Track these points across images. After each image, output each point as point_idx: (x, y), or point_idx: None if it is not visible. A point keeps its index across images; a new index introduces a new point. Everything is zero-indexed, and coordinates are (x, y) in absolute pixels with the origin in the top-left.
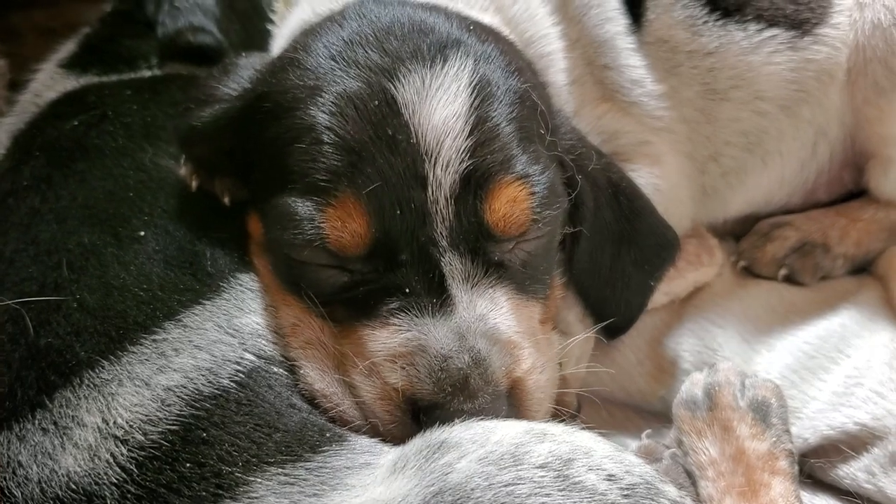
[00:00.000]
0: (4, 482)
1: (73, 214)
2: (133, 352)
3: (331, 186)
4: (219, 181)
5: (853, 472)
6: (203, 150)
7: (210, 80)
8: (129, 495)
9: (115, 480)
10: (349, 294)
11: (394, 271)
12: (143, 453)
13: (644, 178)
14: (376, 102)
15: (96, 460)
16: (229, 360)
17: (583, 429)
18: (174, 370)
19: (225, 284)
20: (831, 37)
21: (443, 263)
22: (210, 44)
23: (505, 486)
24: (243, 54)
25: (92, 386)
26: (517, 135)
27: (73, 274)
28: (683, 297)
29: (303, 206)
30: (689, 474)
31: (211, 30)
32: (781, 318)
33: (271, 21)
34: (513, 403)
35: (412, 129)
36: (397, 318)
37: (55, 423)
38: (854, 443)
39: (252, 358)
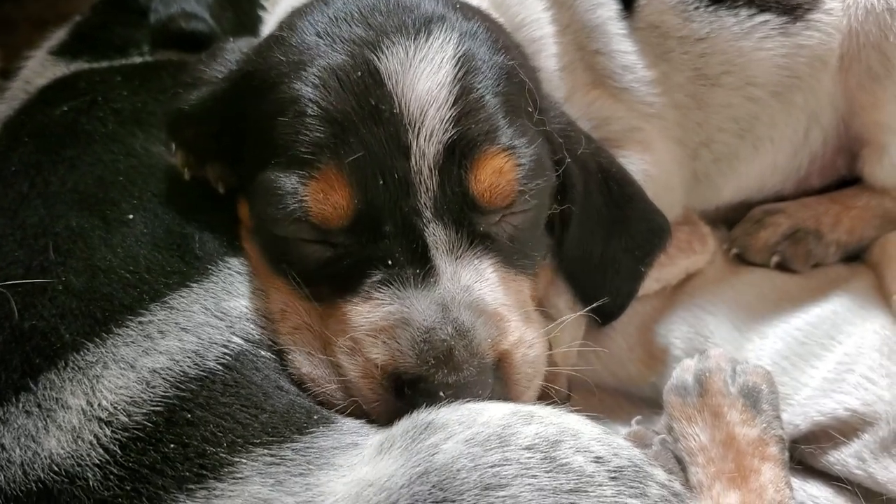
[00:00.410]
0: None
1: (61, 199)
2: (118, 334)
3: (313, 159)
4: (210, 168)
5: (844, 458)
6: (191, 133)
7: (198, 65)
8: (111, 476)
9: (97, 462)
10: (333, 269)
11: (377, 243)
12: (126, 434)
13: (635, 164)
14: (359, 73)
15: (79, 442)
16: (216, 343)
17: (571, 412)
18: (160, 352)
19: (213, 268)
20: (824, 22)
21: (426, 234)
22: (203, 30)
23: (491, 466)
24: (231, 39)
25: (77, 368)
26: (503, 107)
27: (59, 257)
28: (675, 284)
29: (286, 180)
30: (679, 460)
31: (203, 16)
32: (773, 305)
33: (263, 7)
34: (500, 377)
35: (395, 98)
36: (380, 291)
37: (39, 406)
38: (844, 429)
39: (239, 341)
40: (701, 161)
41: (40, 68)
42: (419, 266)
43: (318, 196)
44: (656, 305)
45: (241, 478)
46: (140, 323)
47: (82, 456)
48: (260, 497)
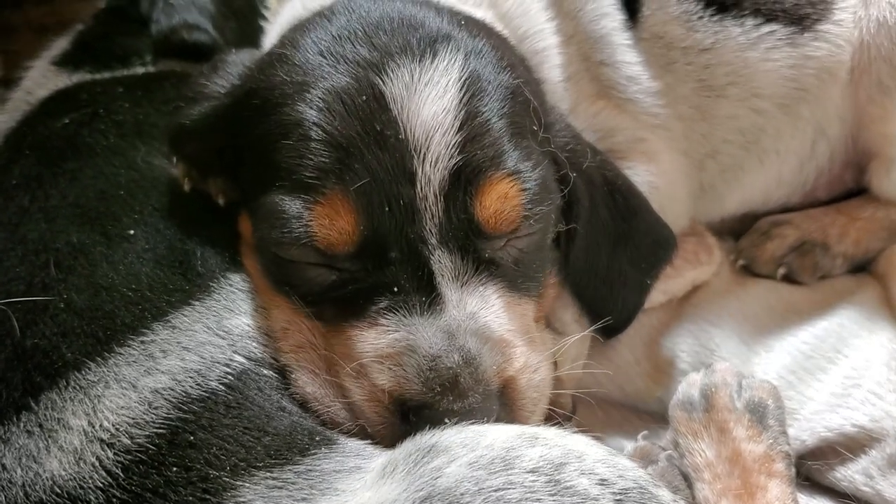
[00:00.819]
0: None
1: (62, 213)
2: (120, 353)
3: (319, 183)
4: (212, 181)
5: (851, 474)
6: (193, 148)
7: (199, 78)
8: (114, 500)
9: (100, 484)
10: (338, 293)
11: (382, 269)
12: (129, 457)
13: (640, 175)
14: (364, 98)
15: (81, 464)
16: (218, 363)
17: (576, 432)
18: (162, 372)
19: (215, 285)
20: (833, 34)
21: (432, 261)
22: (205, 41)
23: (495, 490)
24: (233, 51)
25: (78, 388)
26: (508, 130)
27: (60, 273)
28: (681, 296)
29: (291, 204)
30: (686, 476)
31: (206, 27)
32: (780, 318)
33: (265, 17)
34: (505, 403)
35: (401, 124)
36: (386, 317)
37: (40, 426)
38: (852, 445)
39: (241, 360)
40: (707, 172)
41: (42, 79)
42: (425, 293)
43: (324, 221)
44: (663, 318)
45: (243, 502)
46: (142, 342)
47: (84, 478)
48: None
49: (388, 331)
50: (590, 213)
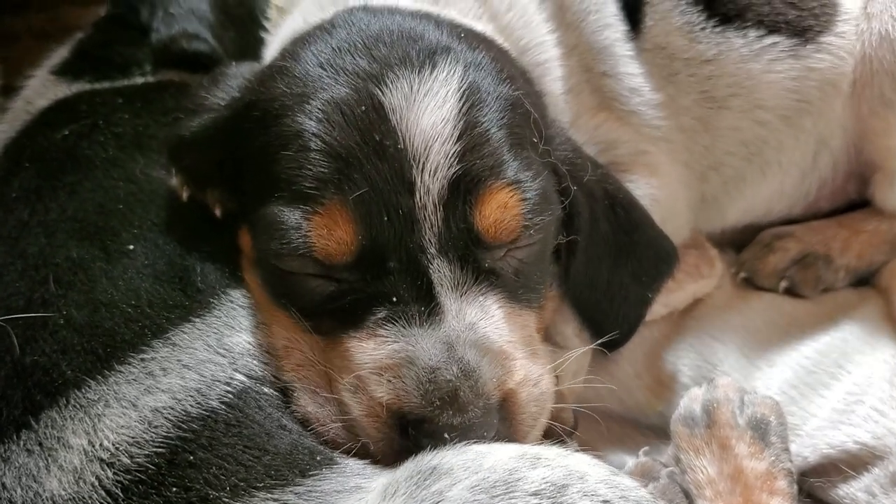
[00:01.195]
0: None
1: (61, 228)
2: (120, 371)
3: (317, 194)
4: (210, 193)
5: (853, 492)
6: (192, 160)
7: (199, 90)
8: None
9: None
10: (336, 304)
11: (381, 279)
12: (128, 476)
13: (642, 188)
14: (363, 108)
15: (81, 483)
16: (219, 381)
17: (577, 450)
18: (162, 390)
19: (215, 301)
20: (836, 46)
21: (431, 271)
22: (204, 51)
23: None
24: (233, 63)
25: (78, 406)
26: (508, 140)
27: (60, 289)
28: (682, 309)
29: (290, 215)
30: (687, 493)
31: (205, 37)
32: (782, 332)
33: (265, 28)
34: (504, 417)
35: (400, 134)
36: (384, 328)
37: (40, 445)
38: (854, 462)
39: (242, 378)
40: (710, 184)
41: (42, 88)
42: (424, 303)
43: (322, 231)
44: (664, 331)
45: None
46: (142, 360)
47: (84, 498)
48: None
49: (387, 342)
50: (590, 227)
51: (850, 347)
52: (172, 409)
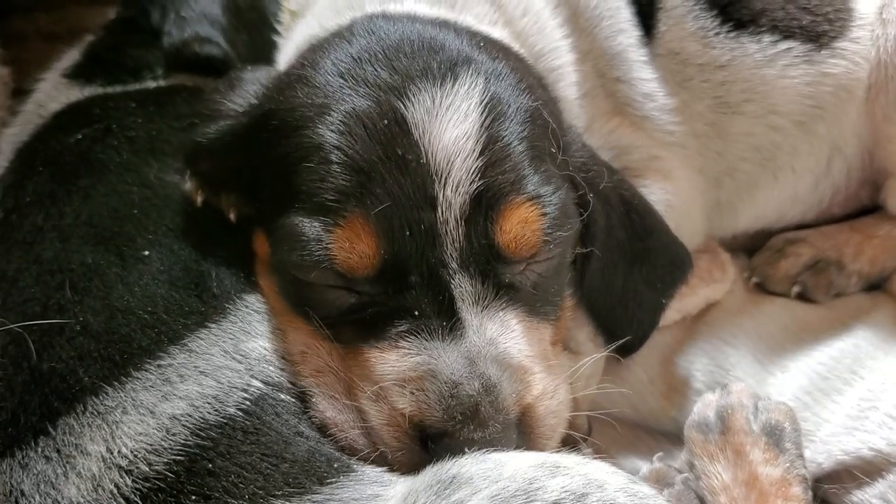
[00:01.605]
0: None
1: (76, 233)
2: (138, 378)
3: (339, 207)
4: (224, 197)
5: (868, 498)
6: (208, 166)
7: (215, 95)
8: None
9: None
10: (357, 316)
11: (403, 293)
12: (147, 485)
13: (656, 194)
14: (386, 122)
15: (100, 491)
16: (236, 388)
17: (595, 458)
18: (179, 398)
19: (231, 306)
20: (851, 51)
21: (452, 286)
22: (216, 55)
23: None
24: (249, 68)
25: (96, 413)
26: (528, 154)
27: (76, 295)
28: (695, 315)
29: (310, 227)
30: (701, 499)
31: (217, 40)
32: (795, 338)
33: (277, 32)
34: (523, 431)
35: (422, 149)
36: (406, 340)
37: (58, 451)
38: (869, 468)
39: (259, 384)
40: (724, 190)
41: (54, 91)
42: (445, 318)
43: (344, 245)
44: (677, 337)
45: None
46: (159, 366)
47: None
48: None
49: (409, 354)
50: (606, 233)
51: (863, 353)
52: (190, 416)
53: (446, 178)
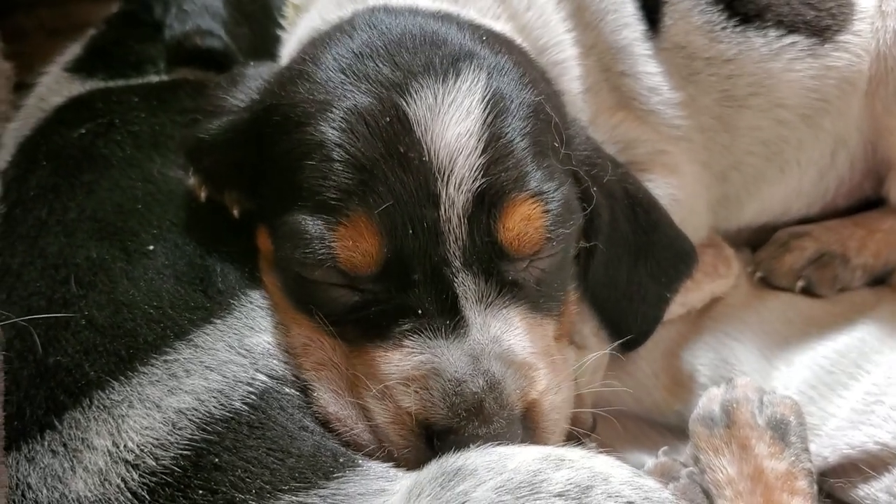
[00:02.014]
0: None
1: (80, 227)
2: (144, 372)
3: (342, 205)
4: (227, 193)
5: (874, 492)
6: (211, 162)
7: (217, 91)
8: None
9: None
10: (360, 314)
11: (406, 292)
12: (154, 479)
13: (661, 188)
14: (388, 119)
15: (107, 485)
16: (241, 382)
17: (600, 451)
18: (185, 392)
19: (235, 302)
20: (853, 44)
21: (456, 284)
22: (218, 48)
23: None
24: (251, 63)
25: (102, 407)
26: (531, 150)
27: (81, 290)
28: (700, 309)
29: (313, 225)
30: (707, 493)
31: (219, 33)
32: (799, 332)
33: (281, 26)
34: (528, 426)
35: (424, 146)
36: (410, 339)
37: (65, 445)
38: (875, 462)
39: (264, 378)
40: (731, 184)
41: (56, 85)
42: (449, 316)
43: (348, 243)
44: (681, 331)
45: None
46: (165, 361)
47: (110, 500)
48: None
49: (413, 353)
50: (610, 227)
51: (868, 347)
52: (196, 410)
53: (449, 176)
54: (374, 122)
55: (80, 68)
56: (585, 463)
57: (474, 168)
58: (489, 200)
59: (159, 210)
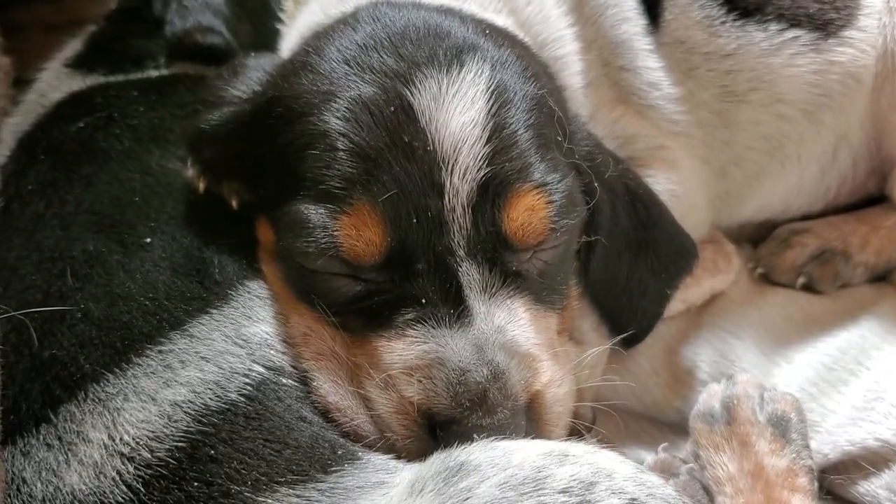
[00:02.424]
0: (8, 499)
1: (77, 220)
2: (139, 364)
3: (345, 194)
4: (227, 184)
5: (874, 489)
6: (211, 153)
7: (218, 82)
8: None
9: (121, 500)
10: (363, 304)
11: (409, 281)
12: (149, 471)
13: (661, 183)
14: (392, 108)
15: (102, 478)
16: (237, 373)
17: (603, 447)
18: (181, 384)
19: (233, 292)
20: (858, 39)
21: (460, 273)
22: (219, 44)
23: None
24: (252, 55)
25: (97, 400)
26: (535, 142)
27: (77, 283)
28: (700, 305)
29: (316, 214)
30: (707, 490)
31: (220, 30)
32: (800, 329)
33: (281, 20)
34: (531, 418)
35: (429, 136)
36: (413, 329)
37: (60, 439)
38: (875, 459)
39: (261, 369)
40: (732, 180)
41: (55, 81)
42: (452, 306)
43: (351, 232)
44: (681, 327)
45: None
46: (160, 352)
47: (105, 493)
48: None
49: (417, 343)
50: (611, 223)
51: (868, 344)
52: (192, 402)
53: (453, 166)
54: (378, 111)
55: (80, 64)
56: (589, 459)
57: (478, 158)
58: (493, 190)
59: (157, 202)
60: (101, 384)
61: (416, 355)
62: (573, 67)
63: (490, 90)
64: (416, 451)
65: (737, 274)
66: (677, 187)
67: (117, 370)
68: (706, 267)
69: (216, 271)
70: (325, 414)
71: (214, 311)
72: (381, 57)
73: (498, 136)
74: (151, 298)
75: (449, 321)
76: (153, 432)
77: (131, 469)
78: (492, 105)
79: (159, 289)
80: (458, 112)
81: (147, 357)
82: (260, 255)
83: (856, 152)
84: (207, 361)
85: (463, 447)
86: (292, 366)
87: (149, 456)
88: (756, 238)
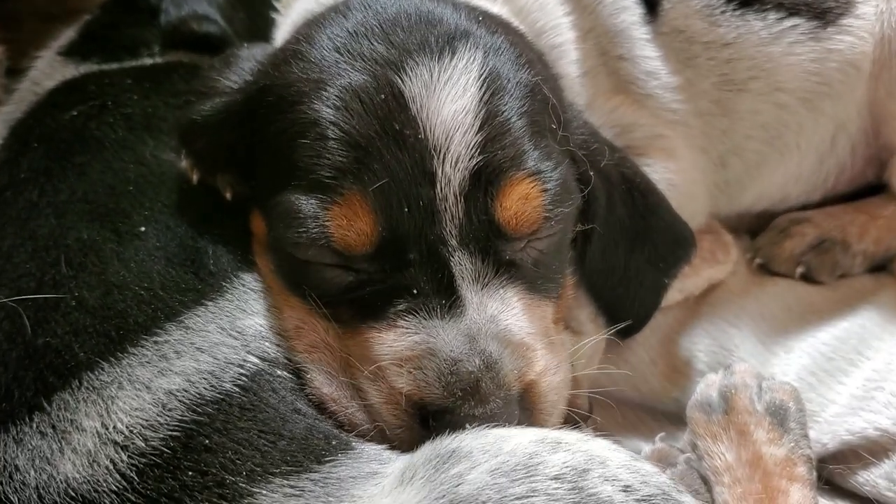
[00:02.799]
0: (1, 487)
1: (72, 209)
2: (133, 353)
3: (336, 183)
4: (220, 176)
5: (873, 478)
6: (204, 144)
7: (211, 72)
8: None
9: (114, 488)
10: (355, 294)
11: (401, 271)
12: (143, 460)
13: (658, 172)
14: (383, 96)
15: (95, 466)
16: (232, 364)
17: (597, 435)
18: (175, 373)
19: (227, 284)
20: (856, 27)
21: (452, 263)
22: (214, 32)
23: (517, 498)
24: (245, 45)
25: (91, 388)
26: (528, 129)
27: (71, 271)
28: (698, 295)
29: (307, 204)
30: (705, 479)
31: (215, 18)
32: (798, 318)
33: (275, 9)
34: (525, 407)
35: (420, 124)
36: (405, 320)
37: (53, 427)
38: (874, 448)
39: (255, 361)
40: (732, 169)
41: (49, 69)
42: (445, 296)
43: (342, 222)
44: (679, 317)
45: None
46: (155, 342)
47: (99, 481)
48: None
49: (408, 333)
50: (607, 212)
51: (868, 334)
52: (186, 391)
53: (445, 154)
54: (368, 99)
55: (74, 52)
56: (582, 446)
57: (471, 146)
58: (486, 179)
59: (151, 192)
60: (96, 372)
61: (407, 346)
62: (570, 56)
63: (482, 77)
64: (408, 441)
65: (735, 264)
66: (675, 176)
67: (112, 359)
68: (704, 257)
69: (211, 262)
70: (320, 406)
71: (210, 302)
72: (372, 44)
73: (490, 123)
74: (146, 288)
75: (441, 311)
76: (147, 420)
77: (125, 457)
78: (484, 92)
79: (154, 278)
80: (449, 99)
81: (142, 347)
82: (254, 247)
83: (854, 140)
84: (202, 352)
85: (454, 435)
86: (287, 358)
87: (143, 444)
88: (754, 228)
